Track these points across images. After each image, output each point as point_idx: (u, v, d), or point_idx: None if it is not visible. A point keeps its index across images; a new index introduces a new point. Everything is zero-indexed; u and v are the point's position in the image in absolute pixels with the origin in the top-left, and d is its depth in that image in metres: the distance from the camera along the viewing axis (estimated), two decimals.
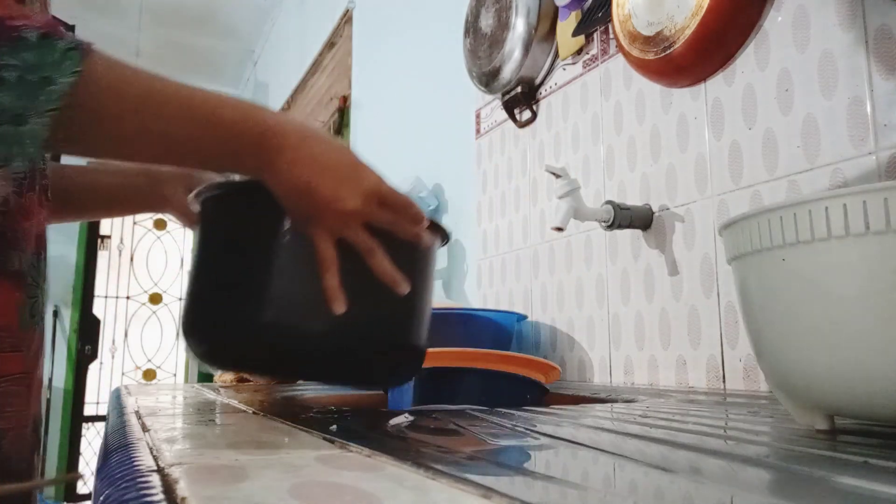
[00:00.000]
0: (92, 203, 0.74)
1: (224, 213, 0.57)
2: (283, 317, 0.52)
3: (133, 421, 0.47)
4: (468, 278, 1.55)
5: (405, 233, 0.53)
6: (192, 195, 0.56)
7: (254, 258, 0.54)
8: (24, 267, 0.54)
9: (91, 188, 0.73)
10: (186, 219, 0.73)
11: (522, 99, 1.29)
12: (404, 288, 0.52)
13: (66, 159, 0.66)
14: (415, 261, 0.58)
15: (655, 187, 0.98)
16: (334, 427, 0.41)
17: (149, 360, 4.25)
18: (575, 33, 1.14)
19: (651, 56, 0.92)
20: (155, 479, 0.26)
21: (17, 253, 0.53)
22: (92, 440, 4.06)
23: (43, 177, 0.57)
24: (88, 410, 4.10)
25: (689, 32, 0.85)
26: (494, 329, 1.11)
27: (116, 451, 0.34)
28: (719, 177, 0.87)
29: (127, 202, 0.75)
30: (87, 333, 4.13)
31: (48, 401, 3.90)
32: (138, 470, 0.28)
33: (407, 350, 0.58)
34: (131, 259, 4.32)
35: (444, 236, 0.61)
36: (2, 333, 0.51)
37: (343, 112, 2.49)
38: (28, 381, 0.55)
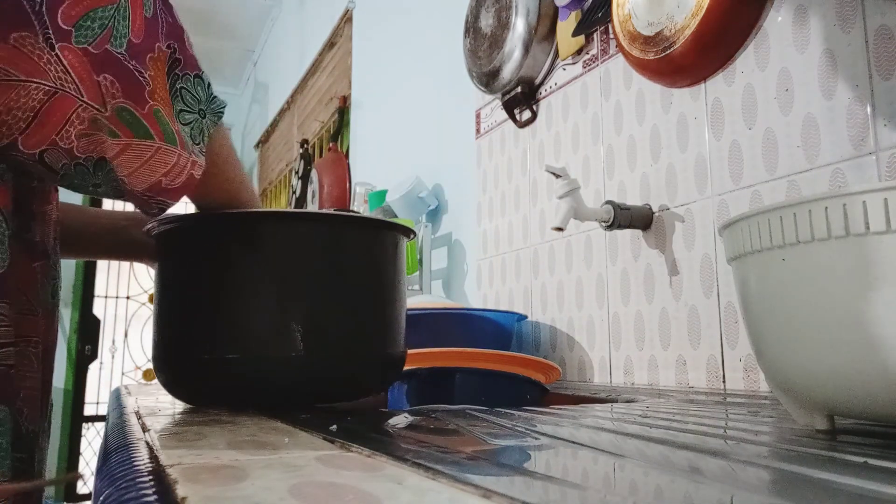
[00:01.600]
0: (66, 242, 0.75)
1: (174, 245, 0.57)
2: (240, 348, 0.51)
3: (133, 421, 0.47)
4: (468, 278, 1.55)
5: None
6: (144, 230, 0.58)
7: (203, 291, 0.53)
8: (48, 247, 0.55)
9: (70, 227, 0.73)
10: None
11: (522, 99, 1.29)
12: None
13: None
14: (379, 265, 0.57)
15: (655, 187, 0.98)
16: (334, 427, 0.41)
17: (149, 360, 4.24)
18: (575, 33, 1.14)
19: (651, 56, 0.92)
20: (154, 479, 0.26)
21: (41, 232, 0.54)
22: (92, 440, 4.06)
23: None
24: (88, 410, 4.10)
25: (689, 32, 0.85)
26: (494, 329, 1.11)
27: (116, 451, 0.34)
28: (719, 177, 0.87)
29: (98, 244, 0.76)
30: (87, 333, 4.13)
31: None
32: (138, 470, 0.28)
33: (381, 360, 0.57)
34: (129, 261, 4.32)
35: (408, 233, 0.60)
36: (24, 297, 0.52)
37: (343, 112, 2.49)
38: (44, 352, 0.55)
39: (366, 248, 0.56)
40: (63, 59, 0.38)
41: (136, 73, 0.42)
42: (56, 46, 0.38)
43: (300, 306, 0.52)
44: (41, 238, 0.54)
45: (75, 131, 0.41)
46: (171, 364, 0.55)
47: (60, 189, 0.62)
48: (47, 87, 0.39)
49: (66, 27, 0.38)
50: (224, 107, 0.51)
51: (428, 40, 1.84)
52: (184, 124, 0.46)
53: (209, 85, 0.49)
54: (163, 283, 0.57)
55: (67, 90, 0.39)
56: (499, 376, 0.77)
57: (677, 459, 0.31)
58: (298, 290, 0.52)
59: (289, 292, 0.52)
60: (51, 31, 0.38)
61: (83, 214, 0.76)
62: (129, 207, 0.54)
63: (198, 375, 0.53)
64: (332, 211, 0.64)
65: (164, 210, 0.49)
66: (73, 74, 0.39)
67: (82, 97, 0.40)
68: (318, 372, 0.53)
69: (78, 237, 0.74)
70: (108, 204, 4.25)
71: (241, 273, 0.52)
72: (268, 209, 0.57)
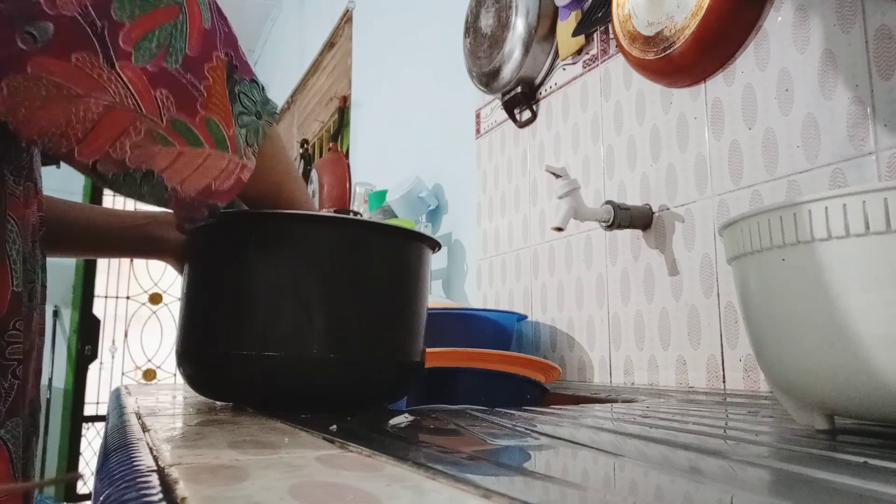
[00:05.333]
0: (85, 240, 0.75)
1: (207, 241, 0.57)
2: (263, 346, 0.51)
3: (133, 421, 0.47)
4: (468, 278, 1.55)
5: None
6: (177, 224, 0.58)
7: (232, 287, 0.53)
8: (25, 253, 0.55)
9: (85, 225, 0.74)
10: (178, 262, 0.74)
11: (522, 99, 1.29)
12: None
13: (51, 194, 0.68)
14: (406, 275, 0.57)
15: (655, 187, 0.98)
16: (334, 427, 0.41)
17: (149, 360, 4.25)
18: (575, 33, 1.14)
19: (651, 56, 0.92)
20: (155, 479, 0.26)
21: (18, 238, 0.54)
22: (92, 440, 4.06)
23: (34, 171, 0.58)
24: (88, 410, 4.10)
25: (688, 32, 0.85)
26: (494, 329, 1.11)
27: (116, 451, 0.34)
28: (719, 177, 0.87)
29: (117, 242, 0.76)
30: (87, 333, 4.13)
31: (48, 401, 3.90)
32: (138, 470, 0.28)
33: (402, 366, 0.58)
34: (131, 259, 4.32)
35: (434, 245, 0.61)
36: None
37: (343, 112, 2.49)
38: (26, 361, 0.55)
39: (395, 257, 0.57)
40: (123, 76, 0.41)
41: (190, 87, 0.45)
42: (116, 65, 0.41)
43: (332, 308, 0.53)
44: (19, 249, 0.54)
45: (130, 142, 0.44)
46: (197, 357, 0.55)
47: (61, 191, 0.62)
48: (106, 102, 0.42)
49: (127, 48, 0.41)
50: (277, 108, 0.54)
51: (428, 40, 1.84)
52: (241, 126, 0.49)
53: (263, 88, 0.52)
54: (194, 277, 0.57)
55: (126, 105, 0.42)
56: (499, 376, 0.77)
57: (677, 459, 0.31)
58: (330, 291, 0.53)
59: (321, 293, 0.53)
60: (112, 52, 0.41)
61: (100, 213, 0.77)
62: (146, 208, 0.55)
63: (226, 370, 0.53)
64: (364, 217, 0.64)
65: (213, 213, 0.51)
66: (132, 90, 0.42)
67: (141, 111, 0.43)
68: (345, 375, 0.53)
69: (95, 236, 0.75)
70: (109, 203, 4.26)
71: (275, 271, 0.53)
72: (303, 212, 0.57)
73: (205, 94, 0.46)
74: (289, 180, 0.58)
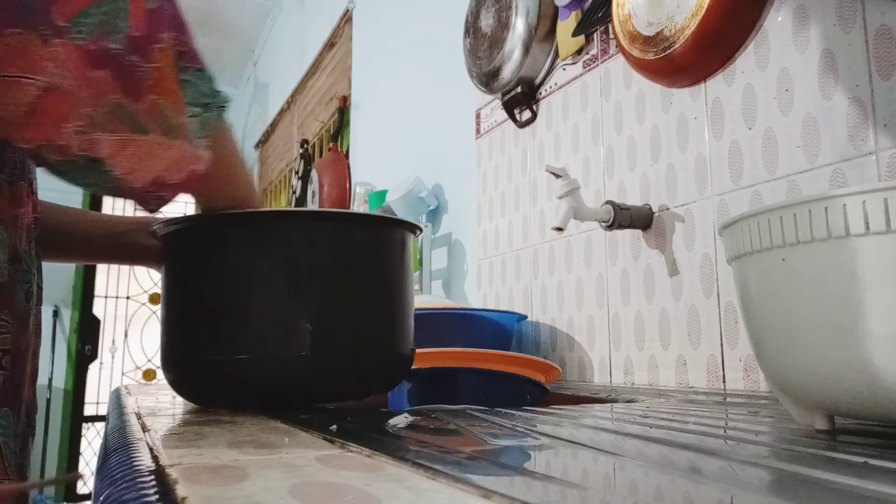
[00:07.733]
0: (69, 246, 0.75)
1: (180, 246, 0.57)
2: (249, 349, 0.51)
3: (133, 421, 0.47)
4: (468, 278, 1.55)
5: None
6: (150, 231, 0.58)
7: (210, 291, 0.53)
8: (19, 251, 0.55)
9: (68, 230, 0.74)
10: (159, 267, 0.74)
11: (522, 99, 1.29)
12: None
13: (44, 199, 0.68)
14: (387, 265, 0.57)
15: (655, 187, 0.98)
16: (334, 427, 0.41)
17: (149, 360, 4.25)
18: (575, 33, 1.14)
19: (651, 56, 0.92)
20: (154, 480, 0.26)
21: (11, 236, 0.54)
22: (92, 440, 4.06)
23: (29, 171, 0.57)
24: (88, 410, 4.10)
25: (689, 32, 0.85)
26: (494, 329, 1.11)
27: (116, 451, 0.34)
28: (719, 177, 0.87)
29: (101, 249, 0.76)
30: (87, 333, 4.13)
31: (48, 401, 3.90)
32: (138, 470, 0.28)
33: (389, 359, 0.57)
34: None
35: (414, 229, 0.60)
36: None
37: (343, 112, 2.49)
38: (15, 356, 0.55)
39: (373, 246, 0.56)
40: (59, 55, 0.38)
41: (136, 68, 0.41)
42: (51, 42, 0.38)
43: (308, 305, 0.52)
44: (10, 243, 0.54)
45: (72, 128, 0.40)
46: (178, 364, 0.55)
47: (60, 190, 0.62)
48: (41, 83, 0.38)
49: (62, 24, 0.38)
50: (228, 101, 0.50)
51: (428, 40, 1.84)
52: (189, 116, 0.45)
53: (212, 79, 0.48)
54: (170, 283, 0.57)
55: (63, 87, 0.39)
56: (499, 376, 0.77)
57: (677, 459, 0.31)
58: (306, 289, 0.53)
59: (296, 291, 0.52)
60: (46, 28, 0.37)
61: (84, 218, 0.76)
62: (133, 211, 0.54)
63: (205, 375, 0.53)
64: (337, 209, 0.63)
65: (162, 205, 0.48)
66: (68, 71, 0.38)
67: (79, 94, 0.39)
68: (326, 371, 0.53)
69: (79, 242, 0.74)
70: (109, 207, 4.26)
71: (249, 272, 0.52)
72: (274, 208, 0.57)
73: (152, 78, 0.42)
74: (239, 184, 0.55)
